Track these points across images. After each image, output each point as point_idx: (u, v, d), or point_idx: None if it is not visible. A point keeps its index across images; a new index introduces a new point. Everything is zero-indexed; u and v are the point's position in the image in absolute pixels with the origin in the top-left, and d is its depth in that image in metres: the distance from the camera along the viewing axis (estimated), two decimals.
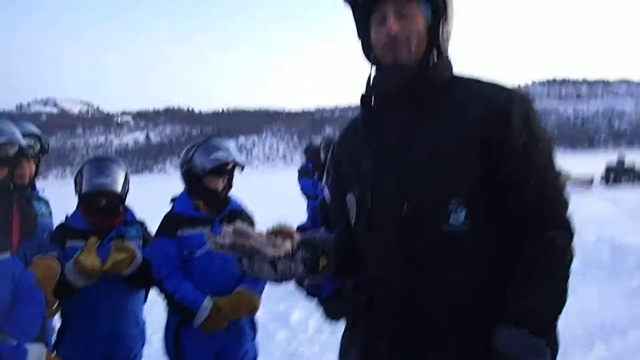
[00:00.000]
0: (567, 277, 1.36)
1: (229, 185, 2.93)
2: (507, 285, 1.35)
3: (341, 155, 1.67)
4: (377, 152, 1.47)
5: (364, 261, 1.56)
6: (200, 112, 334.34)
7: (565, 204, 1.40)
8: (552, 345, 1.34)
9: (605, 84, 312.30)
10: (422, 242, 1.38)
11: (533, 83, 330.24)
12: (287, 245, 1.38)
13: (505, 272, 1.36)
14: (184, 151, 2.98)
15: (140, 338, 2.98)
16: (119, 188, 2.87)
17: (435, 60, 1.46)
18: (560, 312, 1.35)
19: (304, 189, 7.70)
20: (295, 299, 5.76)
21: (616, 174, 22.48)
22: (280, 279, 1.43)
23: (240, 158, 2.93)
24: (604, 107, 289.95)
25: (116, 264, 2.64)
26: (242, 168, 2.96)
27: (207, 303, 2.65)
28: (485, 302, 1.38)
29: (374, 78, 1.52)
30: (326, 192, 2.50)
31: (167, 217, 2.87)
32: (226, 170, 2.87)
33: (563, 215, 1.39)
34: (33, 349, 1.99)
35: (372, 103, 1.52)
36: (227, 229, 1.39)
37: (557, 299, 1.34)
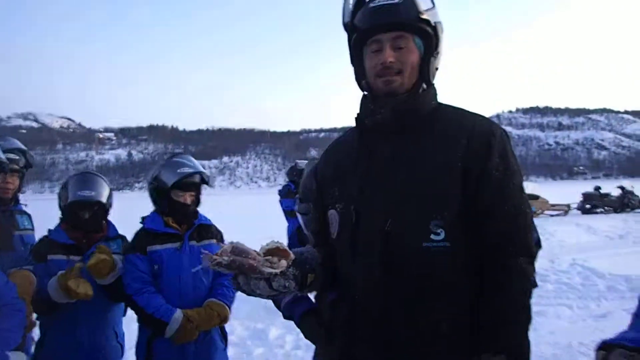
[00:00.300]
0: (530, 300, 1.46)
1: (197, 201, 3.00)
2: (480, 307, 1.45)
3: (324, 174, 1.75)
4: (364, 172, 1.57)
5: (343, 274, 1.62)
6: (184, 130, 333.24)
7: (532, 233, 1.51)
8: None
9: (586, 112, 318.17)
10: (403, 256, 1.46)
11: (517, 110, 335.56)
12: (283, 264, 1.41)
13: (479, 294, 1.46)
14: (152, 171, 3.05)
15: (118, 350, 2.99)
16: (103, 200, 2.94)
17: (424, 90, 1.59)
18: (526, 330, 1.45)
19: (287, 209, 7.77)
20: (273, 317, 5.83)
21: (592, 203, 22.90)
22: (274, 295, 1.47)
23: (205, 171, 3.02)
24: (584, 136, 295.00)
25: (99, 264, 2.67)
26: (208, 183, 3.04)
27: (179, 315, 2.70)
28: (462, 319, 1.46)
29: (366, 104, 1.63)
30: (300, 218, 2.56)
31: (137, 234, 2.93)
32: (193, 186, 2.95)
33: (531, 243, 1.49)
34: (14, 356, 2.03)
35: (363, 127, 1.63)
36: (226, 247, 1.40)
37: (527, 322, 1.45)
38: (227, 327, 3.90)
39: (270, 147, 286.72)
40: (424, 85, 1.60)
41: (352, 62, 1.67)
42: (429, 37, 1.56)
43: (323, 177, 1.74)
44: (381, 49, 1.55)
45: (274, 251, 1.43)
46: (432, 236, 1.44)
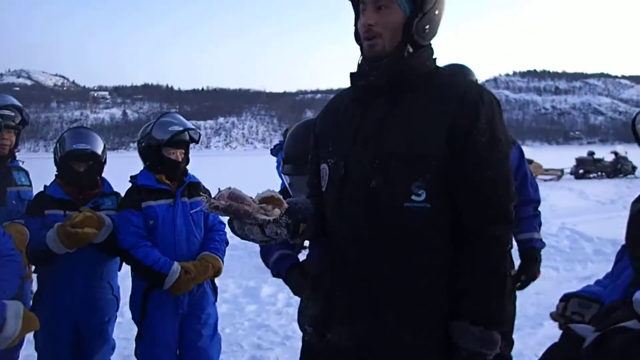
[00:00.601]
0: (507, 267, 1.52)
1: (186, 159, 3.08)
2: (457, 270, 1.51)
3: (321, 128, 1.79)
4: (356, 132, 1.61)
5: (329, 225, 1.69)
6: (179, 89, 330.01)
7: (512, 200, 1.54)
8: (504, 329, 1.51)
9: (584, 76, 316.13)
10: (385, 213, 1.53)
11: (514, 73, 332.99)
12: (276, 212, 1.47)
13: (454, 257, 1.52)
14: (141, 130, 3.13)
15: (114, 303, 3.09)
16: (98, 152, 3.00)
17: (410, 53, 1.58)
18: (507, 298, 1.52)
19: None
20: (265, 275, 5.94)
21: (585, 168, 23.03)
22: (266, 240, 1.54)
23: (194, 129, 3.09)
24: (581, 101, 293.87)
25: (85, 220, 2.74)
26: (197, 141, 3.11)
27: (177, 266, 2.80)
28: (440, 277, 1.52)
29: (362, 64, 1.66)
30: (284, 179, 2.61)
31: (130, 191, 3.00)
32: (183, 143, 3.02)
33: (509, 210, 1.52)
34: (11, 304, 2.09)
35: (357, 86, 1.67)
36: (223, 191, 1.45)
37: (503, 288, 1.50)
38: (220, 285, 4.01)
39: (266, 108, 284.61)
40: (409, 48, 1.59)
41: (355, 22, 1.68)
42: None
43: (320, 131, 1.79)
44: (366, 9, 1.57)
45: (268, 199, 1.49)
46: (413, 197, 1.49)
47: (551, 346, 1.05)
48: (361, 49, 1.66)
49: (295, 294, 2.42)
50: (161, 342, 2.89)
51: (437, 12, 1.58)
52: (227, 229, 3.21)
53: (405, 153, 1.51)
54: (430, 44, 1.64)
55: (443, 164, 1.49)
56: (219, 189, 1.50)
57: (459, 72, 1.67)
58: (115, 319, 3.17)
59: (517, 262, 3.07)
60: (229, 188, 1.47)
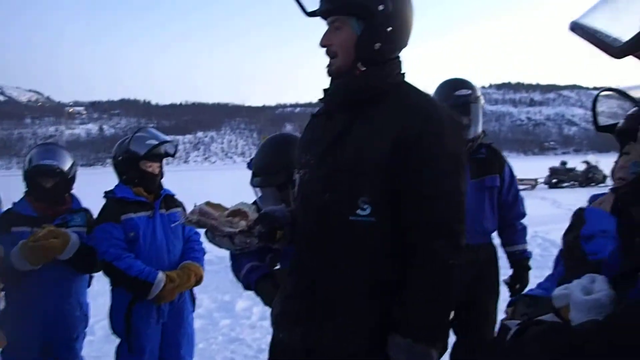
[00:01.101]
0: (448, 284, 1.53)
1: (161, 173, 3.15)
2: (396, 282, 1.55)
3: (300, 141, 1.88)
4: (318, 145, 1.69)
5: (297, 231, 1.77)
6: (157, 104, 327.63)
7: (456, 217, 1.55)
8: (438, 344, 1.55)
9: (557, 88, 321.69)
10: (333, 226, 1.61)
11: (490, 86, 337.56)
12: (242, 224, 1.66)
13: (397, 271, 1.56)
14: (116, 145, 3.18)
15: (83, 320, 3.09)
16: (65, 168, 3.02)
17: (363, 71, 1.64)
18: (445, 314, 1.56)
19: None
20: (240, 290, 5.90)
21: (558, 178, 23.46)
22: (238, 250, 1.75)
23: (171, 141, 3.16)
24: (555, 112, 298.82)
25: (47, 235, 2.75)
26: (173, 155, 3.18)
27: (162, 275, 2.85)
28: (380, 288, 1.58)
29: (331, 81, 1.75)
30: (254, 192, 2.69)
31: (108, 204, 3.03)
32: (159, 156, 3.08)
33: (449, 225, 1.54)
34: None
35: (324, 102, 1.77)
36: (196, 207, 1.70)
37: (439, 306, 1.53)
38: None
39: (245, 122, 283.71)
40: (360, 66, 1.64)
41: None
42: (367, 17, 1.59)
43: (300, 143, 1.88)
44: (326, 31, 1.67)
45: (236, 212, 1.70)
46: (359, 211, 1.56)
47: (491, 339, 1.13)
48: None
49: (265, 303, 2.45)
50: (146, 352, 2.92)
51: (390, 29, 1.61)
52: (203, 239, 3.29)
53: (352, 169, 1.57)
54: (395, 60, 1.68)
55: (388, 180, 1.55)
56: (195, 204, 1.70)
57: (416, 91, 1.71)
58: (84, 336, 3.16)
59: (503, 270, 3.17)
60: (202, 204, 1.71)
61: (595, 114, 1.73)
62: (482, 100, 3.14)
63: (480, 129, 3.09)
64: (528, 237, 9.52)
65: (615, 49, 0.85)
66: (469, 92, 3.06)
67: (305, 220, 1.70)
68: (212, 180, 36.10)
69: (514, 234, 3.20)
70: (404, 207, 1.55)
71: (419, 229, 1.54)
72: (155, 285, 2.81)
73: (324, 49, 1.67)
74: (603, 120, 1.65)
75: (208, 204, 1.72)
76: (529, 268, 3.20)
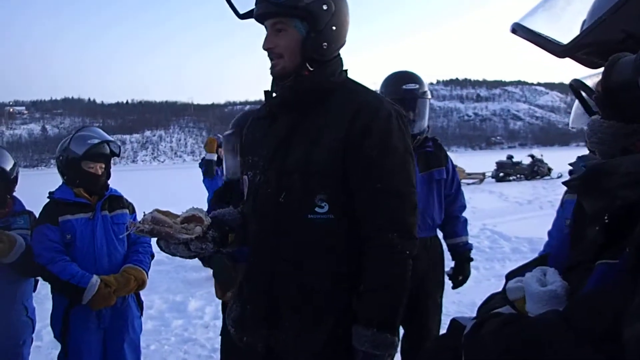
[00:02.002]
0: (404, 274, 1.58)
1: (107, 174, 3.04)
2: (355, 275, 1.59)
3: (245, 142, 1.87)
4: (267, 146, 1.70)
5: (249, 233, 1.76)
6: (102, 103, 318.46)
7: (409, 210, 1.60)
8: (398, 332, 1.61)
9: (502, 84, 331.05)
10: (291, 225, 1.62)
11: (438, 82, 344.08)
12: (197, 230, 1.60)
13: (356, 264, 1.60)
14: (59, 145, 3.05)
15: (29, 326, 2.99)
16: (7, 168, 2.91)
17: (311, 71, 1.66)
18: (402, 303, 1.59)
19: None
20: (192, 290, 5.89)
21: (505, 171, 24.16)
22: (194, 256, 1.67)
23: (114, 141, 3.07)
24: (501, 107, 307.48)
25: None
26: (118, 154, 3.08)
27: (95, 280, 2.74)
28: (339, 283, 1.61)
29: (273, 82, 1.74)
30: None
31: (47, 206, 2.93)
32: (103, 157, 2.99)
33: (403, 218, 1.59)
34: None
35: (269, 103, 1.75)
36: (147, 215, 1.59)
37: (397, 294, 1.57)
38: (146, 301, 3.90)
39: (194, 120, 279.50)
40: (309, 66, 1.66)
41: None
42: (309, 18, 1.60)
43: (244, 144, 1.87)
44: (267, 33, 1.66)
45: (190, 218, 1.63)
46: (317, 209, 1.58)
47: (439, 336, 1.13)
48: None
49: (215, 274, 2.50)
50: (85, 358, 2.82)
51: (334, 27, 1.64)
52: (153, 242, 3.22)
53: (305, 169, 1.58)
54: (337, 57, 1.71)
55: (341, 177, 1.58)
56: (143, 213, 1.62)
57: (361, 87, 1.74)
58: (32, 342, 3.06)
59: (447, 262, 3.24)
60: (151, 212, 1.60)
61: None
62: (429, 95, 3.18)
63: (426, 123, 3.13)
64: (477, 230, 9.84)
65: (559, 50, 0.89)
66: (417, 86, 3.10)
67: (260, 222, 1.69)
68: (161, 179, 35.44)
69: (457, 225, 3.27)
70: (358, 202, 1.60)
71: (374, 222, 1.58)
72: (88, 289, 2.71)
73: (267, 53, 1.67)
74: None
75: (158, 211, 1.61)
76: (470, 260, 3.29)
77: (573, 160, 1.67)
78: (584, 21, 0.93)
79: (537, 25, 0.96)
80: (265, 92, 1.75)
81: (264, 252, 1.67)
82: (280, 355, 1.64)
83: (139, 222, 1.60)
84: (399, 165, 1.60)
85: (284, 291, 1.63)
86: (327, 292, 1.60)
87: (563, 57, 0.91)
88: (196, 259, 2.54)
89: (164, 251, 1.67)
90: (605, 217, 0.76)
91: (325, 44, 1.64)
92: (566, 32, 0.92)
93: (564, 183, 0.98)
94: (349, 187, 1.59)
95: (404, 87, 3.06)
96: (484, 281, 6.16)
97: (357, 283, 1.59)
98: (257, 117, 1.84)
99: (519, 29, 0.97)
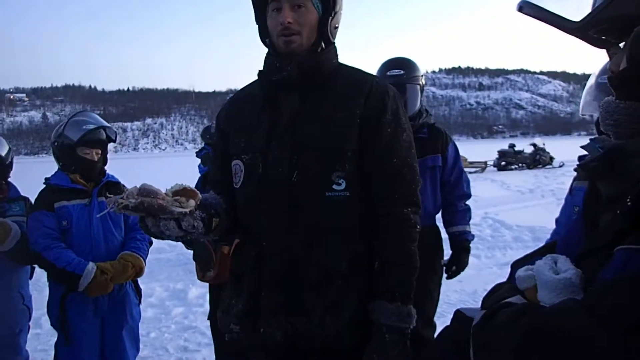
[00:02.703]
0: (416, 247, 1.61)
1: (104, 160, 2.99)
2: (373, 251, 1.60)
3: (230, 125, 1.78)
4: (270, 129, 1.64)
5: (247, 221, 1.70)
6: (103, 90, 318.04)
7: (418, 184, 1.66)
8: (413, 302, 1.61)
9: (505, 72, 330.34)
10: (307, 205, 1.58)
11: (440, 70, 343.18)
12: (192, 203, 1.43)
13: (368, 241, 1.61)
14: (54, 131, 3.00)
15: (26, 314, 2.96)
16: (2, 154, 2.86)
17: (322, 49, 1.67)
18: (416, 275, 1.61)
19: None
20: (193, 278, 5.83)
21: (507, 160, 24.12)
22: (183, 235, 1.49)
23: (109, 126, 2.99)
24: (503, 96, 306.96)
25: None
26: (114, 140, 3.01)
27: (92, 267, 2.70)
28: (359, 261, 1.60)
29: (271, 60, 1.70)
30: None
31: (42, 192, 2.87)
32: (99, 142, 2.92)
33: (416, 193, 1.64)
34: None
35: (268, 82, 1.69)
36: (131, 189, 1.40)
37: (414, 266, 1.61)
38: (146, 289, 3.87)
39: (195, 108, 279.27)
40: (323, 45, 1.68)
41: (256, 20, 1.72)
42: None
43: (230, 127, 1.78)
44: (281, 8, 1.60)
45: (181, 192, 1.45)
46: (334, 186, 1.58)
47: (443, 329, 1.08)
48: (270, 47, 1.71)
49: (195, 255, 2.62)
50: (83, 345, 2.79)
51: (340, 10, 1.69)
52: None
53: (322, 146, 1.58)
54: (334, 42, 1.73)
55: (357, 154, 1.59)
56: (125, 188, 1.46)
57: (359, 69, 1.74)
58: (28, 330, 3.03)
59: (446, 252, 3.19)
60: (141, 185, 1.42)
61: None
62: (421, 80, 3.12)
63: (416, 108, 3.06)
64: (479, 219, 9.79)
65: (572, 27, 0.85)
66: (402, 72, 3.04)
67: (270, 205, 1.61)
68: (163, 167, 35.44)
69: (454, 214, 3.18)
70: (376, 178, 1.61)
71: (391, 198, 1.61)
72: (84, 276, 2.66)
73: (280, 28, 1.62)
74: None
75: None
76: (468, 250, 3.21)
77: (575, 149, 1.62)
78: None
79: (545, 2, 0.91)
80: (261, 72, 1.72)
81: (278, 235, 1.61)
82: (298, 342, 1.59)
83: (122, 196, 1.38)
84: (408, 142, 1.66)
85: (303, 274, 1.59)
86: (345, 272, 1.59)
87: (577, 35, 0.87)
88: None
89: (148, 232, 1.47)
90: (628, 200, 0.70)
91: (337, 25, 1.70)
92: (575, 9, 0.88)
93: (579, 166, 0.92)
94: (363, 163, 1.60)
95: (388, 73, 3.04)
96: (486, 269, 6.15)
97: (372, 260, 1.60)
98: (245, 99, 1.79)
99: (525, 6, 0.92)
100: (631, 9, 0.80)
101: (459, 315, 1.02)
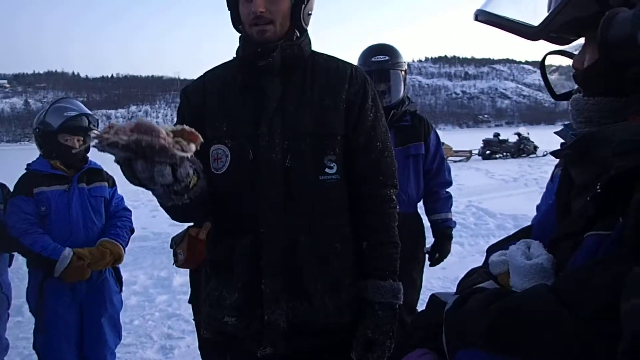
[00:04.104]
0: (396, 225, 1.70)
1: (86, 147, 2.95)
2: (358, 231, 1.67)
3: (205, 107, 1.70)
4: (257, 115, 1.61)
5: (235, 209, 1.64)
6: (86, 77, 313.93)
7: (396, 166, 1.74)
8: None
9: (490, 62, 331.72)
10: (302, 188, 1.59)
11: (426, 59, 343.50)
12: (192, 147, 1.22)
13: (354, 223, 1.67)
14: (36, 117, 2.97)
15: (4, 302, 2.92)
16: None
17: (298, 37, 1.67)
18: (399, 249, 1.69)
19: None
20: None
21: (491, 149, 24.27)
22: (175, 189, 1.32)
23: (91, 114, 2.97)
24: (489, 86, 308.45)
25: None
26: (97, 127, 2.98)
27: (68, 252, 2.68)
28: (349, 241, 1.66)
29: (250, 46, 1.65)
30: None
31: (22, 177, 2.85)
32: (81, 129, 2.89)
33: (395, 175, 1.73)
34: None
35: (249, 68, 1.65)
36: (126, 125, 1.16)
37: (398, 243, 1.69)
38: (129, 276, 3.85)
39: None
40: (297, 33, 1.67)
41: (228, 6, 1.69)
42: None
43: (205, 110, 1.70)
44: None
45: (179, 133, 1.23)
46: (327, 170, 1.61)
47: (417, 314, 1.09)
48: (242, 34, 1.68)
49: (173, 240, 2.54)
50: (60, 332, 2.78)
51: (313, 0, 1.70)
52: (133, 217, 3.14)
53: (314, 131, 1.60)
54: (307, 30, 1.72)
55: (344, 138, 1.63)
56: (112, 124, 1.19)
57: (332, 56, 1.77)
58: (8, 318, 2.99)
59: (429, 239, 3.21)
60: (135, 119, 1.18)
61: (548, 84, 1.78)
62: (403, 67, 3.11)
63: (401, 95, 3.05)
64: (462, 207, 9.87)
65: (531, 32, 0.85)
66: (386, 57, 3.04)
67: (266, 191, 1.58)
68: None
69: (436, 202, 3.19)
70: (362, 161, 1.66)
71: (376, 180, 1.67)
72: (60, 262, 2.65)
73: (252, 17, 1.58)
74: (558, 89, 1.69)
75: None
76: (450, 237, 3.21)
77: (559, 138, 1.62)
78: None
79: (502, 8, 0.91)
80: (242, 59, 1.67)
81: (277, 221, 1.59)
82: (299, 326, 1.59)
83: (109, 130, 1.14)
84: (386, 126, 1.74)
85: (302, 259, 1.59)
86: (340, 253, 1.63)
87: (536, 39, 0.87)
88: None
89: (133, 178, 1.25)
90: (598, 187, 0.71)
91: (310, 12, 1.69)
92: (532, 13, 0.89)
93: (553, 153, 0.93)
94: (349, 147, 1.64)
95: (372, 59, 3.03)
96: (469, 257, 6.21)
97: (358, 240, 1.67)
98: (222, 80, 1.73)
99: (481, 14, 0.92)
100: (587, 8, 0.80)
101: (433, 299, 1.03)
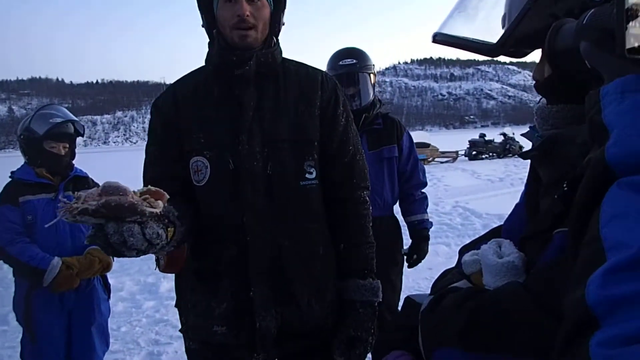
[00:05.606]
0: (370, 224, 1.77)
1: (72, 154, 2.94)
2: (335, 233, 1.73)
3: (183, 121, 1.66)
4: (235, 124, 1.60)
5: (218, 219, 1.62)
6: (71, 83, 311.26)
7: (367, 168, 1.81)
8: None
9: (476, 63, 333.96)
10: (284, 194, 1.61)
11: (412, 61, 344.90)
12: (160, 204, 1.23)
13: (329, 225, 1.73)
14: (20, 123, 2.95)
15: None
16: None
17: (273, 45, 1.69)
18: (374, 248, 1.76)
19: None
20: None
21: (477, 150, 24.41)
22: (146, 248, 1.25)
23: (77, 120, 2.96)
24: (474, 87, 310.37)
25: None
26: (82, 134, 2.98)
27: (57, 261, 2.67)
28: (327, 244, 1.70)
29: (226, 54, 1.62)
30: None
31: (7, 186, 2.83)
32: (66, 136, 2.88)
33: (367, 177, 1.80)
34: None
35: (225, 75, 1.64)
36: (92, 191, 1.18)
37: (374, 242, 1.76)
38: (116, 283, 3.83)
39: None
40: (275, 39, 1.71)
41: (201, 9, 1.67)
42: None
43: (182, 124, 1.66)
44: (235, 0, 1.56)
45: (145, 192, 1.25)
46: (307, 175, 1.65)
47: (394, 316, 1.11)
48: (219, 38, 1.64)
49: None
50: (48, 341, 2.76)
51: (285, 6, 1.72)
52: None
53: (292, 138, 1.63)
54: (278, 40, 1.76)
55: (320, 144, 1.68)
56: (94, 182, 1.23)
57: (301, 63, 1.80)
58: None
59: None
60: (106, 184, 1.20)
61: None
62: (372, 69, 3.11)
63: (370, 98, 3.04)
64: (449, 208, 9.92)
65: (489, 49, 0.87)
66: (354, 61, 3.04)
67: (244, 202, 1.58)
68: (134, 161, 34.95)
69: (412, 203, 3.19)
70: (338, 166, 1.72)
71: (350, 183, 1.73)
72: (49, 271, 2.64)
73: (235, 21, 1.57)
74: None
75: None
76: (427, 238, 3.20)
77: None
78: (504, 15, 0.91)
79: (458, 29, 0.94)
80: (218, 66, 1.64)
81: (263, 229, 1.59)
82: (287, 331, 1.63)
83: (77, 200, 1.15)
84: (355, 130, 1.79)
85: (288, 264, 1.61)
86: (321, 256, 1.68)
87: (496, 55, 0.89)
88: None
89: (106, 246, 1.21)
90: (565, 186, 0.74)
91: (284, 22, 1.74)
92: (486, 30, 0.91)
93: (521, 155, 0.96)
94: (324, 152, 1.69)
95: (340, 63, 3.05)
96: (455, 257, 6.14)
97: (335, 242, 1.72)
98: (196, 90, 1.68)
99: (439, 36, 0.95)
100: (541, 21, 0.82)
101: (408, 301, 1.05)
